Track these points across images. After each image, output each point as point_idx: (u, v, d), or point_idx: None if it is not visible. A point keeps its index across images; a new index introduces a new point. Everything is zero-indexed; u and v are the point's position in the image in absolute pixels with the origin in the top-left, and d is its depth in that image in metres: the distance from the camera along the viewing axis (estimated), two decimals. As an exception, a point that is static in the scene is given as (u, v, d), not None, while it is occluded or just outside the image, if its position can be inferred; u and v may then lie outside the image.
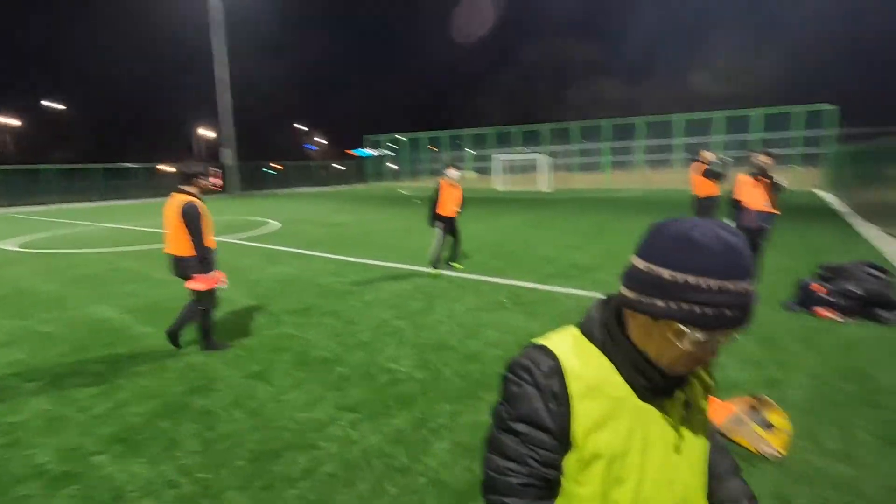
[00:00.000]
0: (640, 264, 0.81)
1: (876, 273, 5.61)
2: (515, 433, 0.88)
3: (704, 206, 8.61)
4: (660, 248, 0.79)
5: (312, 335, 4.78)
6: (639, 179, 30.53)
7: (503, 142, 37.48)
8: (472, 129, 39.41)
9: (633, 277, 0.83)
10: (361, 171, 46.08)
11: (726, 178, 7.98)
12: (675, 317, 0.77)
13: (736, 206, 5.94)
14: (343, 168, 46.03)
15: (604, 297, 0.95)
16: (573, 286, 6.44)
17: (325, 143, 73.83)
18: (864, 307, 4.89)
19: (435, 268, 7.29)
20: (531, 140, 36.47)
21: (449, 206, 7.41)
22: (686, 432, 0.92)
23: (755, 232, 5.76)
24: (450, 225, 7.52)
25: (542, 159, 29.75)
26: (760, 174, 5.84)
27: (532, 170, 30.48)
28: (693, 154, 10.03)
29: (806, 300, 5.21)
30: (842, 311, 4.92)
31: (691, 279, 0.75)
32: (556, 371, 0.87)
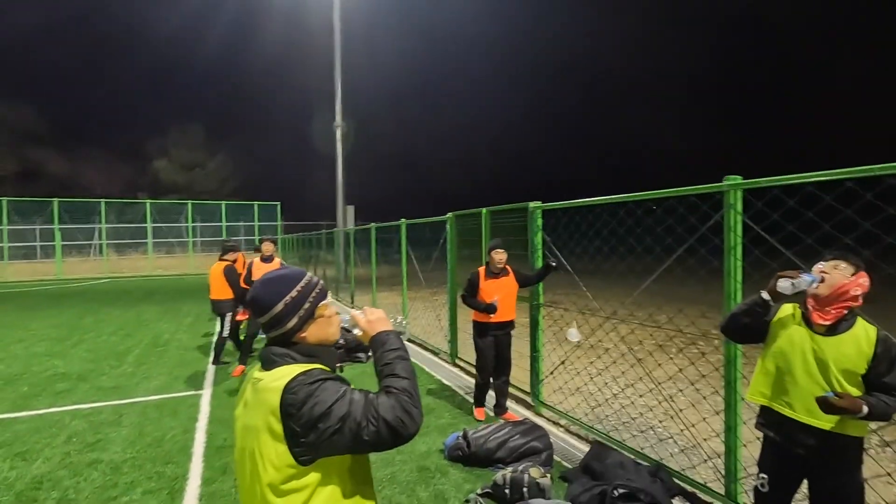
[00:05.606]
0: (277, 309, 1.25)
1: (347, 328, 7.54)
2: None
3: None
4: (269, 294, 1.27)
5: None
6: (101, 267, 26.53)
7: None
8: None
9: (279, 319, 1.26)
10: None
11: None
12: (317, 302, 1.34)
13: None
14: None
15: (268, 347, 1.30)
16: (71, 402, 5.08)
17: None
18: (348, 353, 6.47)
19: None
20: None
21: None
22: None
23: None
24: None
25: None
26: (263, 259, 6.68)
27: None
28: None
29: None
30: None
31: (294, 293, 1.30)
32: None
